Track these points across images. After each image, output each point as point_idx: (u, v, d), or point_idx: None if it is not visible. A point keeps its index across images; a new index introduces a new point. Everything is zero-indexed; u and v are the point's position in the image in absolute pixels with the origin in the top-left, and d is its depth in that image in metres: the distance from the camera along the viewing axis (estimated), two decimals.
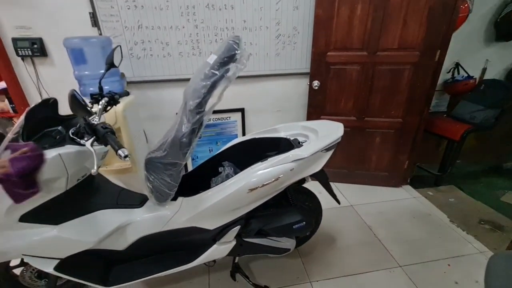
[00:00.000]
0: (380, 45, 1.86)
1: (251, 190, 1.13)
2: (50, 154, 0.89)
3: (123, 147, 0.88)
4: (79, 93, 1.01)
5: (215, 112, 2.20)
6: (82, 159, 1.00)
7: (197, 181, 1.35)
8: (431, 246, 1.71)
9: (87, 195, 1.14)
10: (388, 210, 2.04)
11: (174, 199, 1.18)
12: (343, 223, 1.91)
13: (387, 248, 1.69)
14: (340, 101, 2.09)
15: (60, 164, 0.91)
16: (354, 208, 2.08)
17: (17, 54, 1.75)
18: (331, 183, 1.43)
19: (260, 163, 1.18)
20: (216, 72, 1.00)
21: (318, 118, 2.18)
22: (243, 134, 2.31)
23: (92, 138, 0.94)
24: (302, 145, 1.24)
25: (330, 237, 1.78)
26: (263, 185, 1.14)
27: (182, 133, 1.02)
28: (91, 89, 1.68)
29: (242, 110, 2.23)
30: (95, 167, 0.88)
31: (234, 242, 1.27)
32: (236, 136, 2.31)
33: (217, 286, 1.47)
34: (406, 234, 1.81)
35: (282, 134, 1.42)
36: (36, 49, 1.75)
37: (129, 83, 1.95)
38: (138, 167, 1.83)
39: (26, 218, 0.96)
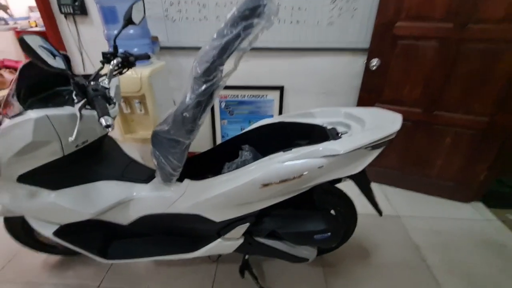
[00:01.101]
0: (475, 15, 1.37)
1: (265, 185, 0.91)
2: (36, 114, 0.79)
3: (108, 115, 0.73)
4: (46, 41, 0.82)
5: (249, 88, 2.01)
6: (86, 121, 0.89)
7: (212, 164, 1.18)
8: None
9: (91, 163, 1.06)
10: (446, 230, 1.63)
11: (180, 180, 1.04)
12: (383, 235, 1.58)
13: (436, 278, 1.34)
14: (403, 86, 1.66)
15: (48, 126, 0.82)
16: (401, 219, 1.71)
17: (61, 11, 1.75)
18: (375, 185, 1.12)
19: (282, 152, 0.94)
20: (232, 30, 0.76)
21: (371, 105, 1.79)
22: (280, 114, 2.05)
23: (83, 101, 0.82)
24: (340, 137, 0.96)
25: (362, 250, 1.49)
26: (281, 182, 0.91)
27: (185, 105, 0.83)
28: (120, 50, 1.59)
29: (281, 89, 1.96)
30: (74, 134, 0.75)
31: (241, 240, 1.09)
32: (271, 116, 2.07)
33: (223, 279, 1.34)
34: (468, 266, 1.41)
35: (318, 121, 1.14)
36: (77, 6, 1.72)
37: (162, 48, 1.83)
38: None
39: (24, 179, 0.91)
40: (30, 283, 1.29)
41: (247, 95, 2.00)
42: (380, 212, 1.17)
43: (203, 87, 0.79)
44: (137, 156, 1.24)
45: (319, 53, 1.83)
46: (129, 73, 1.54)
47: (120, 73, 1.13)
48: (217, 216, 1.03)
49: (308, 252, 1.17)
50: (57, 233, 1.04)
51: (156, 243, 1.18)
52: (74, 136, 0.74)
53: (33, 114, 0.79)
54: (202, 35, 1.79)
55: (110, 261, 1.12)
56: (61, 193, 0.96)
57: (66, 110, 0.88)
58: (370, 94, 1.77)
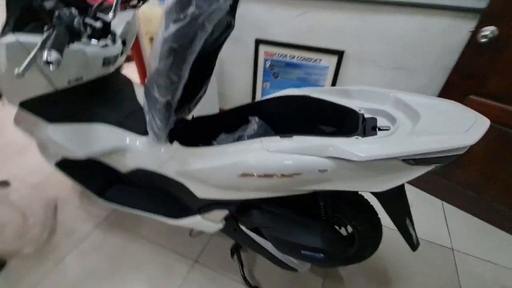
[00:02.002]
0: None
1: (244, 175, 0.71)
2: (9, 39, 0.73)
3: (54, 50, 0.60)
4: None
5: (301, 48, 1.65)
6: (68, 57, 0.81)
7: (218, 130, 1.01)
8: None
9: (92, 103, 1.02)
10: None
11: (171, 141, 0.91)
12: (420, 264, 1.23)
13: None
14: None
15: (23, 54, 0.74)
16: (455, 254, 1.29)
17: None
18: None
19: (278, 138, 0.70)
20: None
21: (462, 96, 1.27)
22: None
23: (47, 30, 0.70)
24: (376, 133, 0.66)
25: (385, 274, 1.19)
26: (264, 176, 0.68)
27: (155, 50, 0.64)
28: None
29: (340, 54, 1.55)
30: (22, 66, 0.63)
31: (221, 225, 0.95)
32: (315, 87, 1.71)
33: (212, 251, 1.26)
34: None
35: (354, 104, 0.82)
36: None
37: None
38: None
39: (25, 106, 0.92)
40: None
41: (297, 57, 1.67)
42: (413, 247, 0.85)
43: (172, 28, 0.57)
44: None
45: (402, 10, 1.32)
46: (153, 14, 1.41)
47: (134, 6, 0.99)
48: (199, 192, 0.89)
49: (297, 262, 0.95)
50: (58, 164, 1.08)
51: (149, 198, 1.14)
52: (22, 68, 0.63)
53: (9, 38, 0.73)
54: None
55: (106, 203, 1.14)
56: (56, 127, 0.95)
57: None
58: (466, 81, 1.23)
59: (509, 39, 1.07)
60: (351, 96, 0.85)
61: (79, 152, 0.98)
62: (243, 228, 0.95)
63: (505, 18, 1.05)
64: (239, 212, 0.89)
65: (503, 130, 1.21)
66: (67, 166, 1.09)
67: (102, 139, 0.99)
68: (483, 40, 1.11)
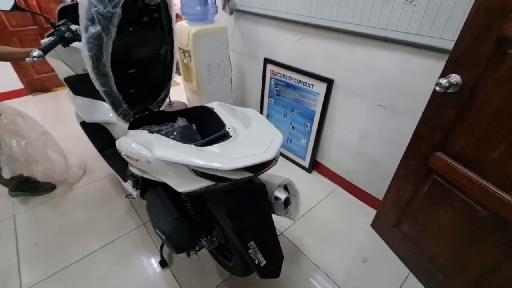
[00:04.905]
0: None
1: (127, 156, 0.95)
2: (47, 39, 1.20)
3: (39, 50, 0.99)
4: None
5: (297, 71, 1.73)
6: (72, 53, 1.24)
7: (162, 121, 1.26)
8: None
9: None
10: None
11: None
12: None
13: None
14: (497, 141, 0.85)
15: (53, 51, 1.20)
16: None
17: None
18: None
19: (144, 130, 0.91)
20: None
21: (430, 151, 1.07)
22: (322, 114, 1.64)
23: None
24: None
25: None
26: (133, 158, 0.91)
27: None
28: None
29: (329, 82, 1.52)
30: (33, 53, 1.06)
31: (136, 192, 1.20)
32: (313, 113, 1.70)
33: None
34: None
35: (230, 120, 0.93)
36: None
37: (238, 11, 1.87)
38: (202, 94, 1.95)
39: (65, 80, 1.44)
40: None
41: (295, 79, 1.72)
42: (258, 273, 0.87)
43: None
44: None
45: (385, 45, 1.22)
46: (182, 29, 1.78)
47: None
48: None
49: None
50: (81, 124, 1.59)
51: (123, 164, 1.50)
52: (33, 54, 1.05)
53: (46, 39, 1.21)
54: (272, 3, 1.65)
55: (105, 158, 1.58)
56: (76, 98, 1.44)
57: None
58: (433, 132, 1.04)
59: (475, 91, 0.87)
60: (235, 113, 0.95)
61: (87, 117, 1.43)
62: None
63: (469, 65, 0.86)
64: (143, 186, 1.13)
65: (471, 205, 0.96)
66: (85, 126, 1.59)
67: (99, 112, 1.42)
68: (448, 88, 0.93)
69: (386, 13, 1.14)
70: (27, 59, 0.99)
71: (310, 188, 1.79)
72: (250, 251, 0.86)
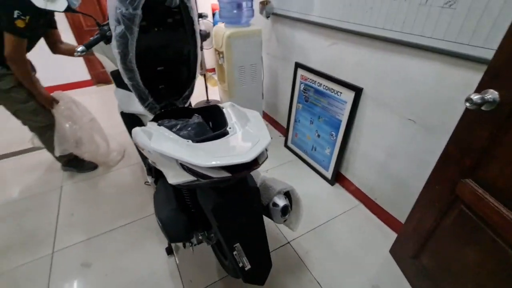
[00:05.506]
0: None
1: (135, 143, 1.03)
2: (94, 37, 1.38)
3: (83, 46, 1.14)
4: None
5: (326, 77, 1.71)
6: (107, 51, 1.39)
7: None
8: None
9: None
10: None
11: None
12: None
13: None
14: None
15: (97, 47, 1.38)
16: None
17: None
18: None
19: (156, 124, 0.98)
20: None
21: (458, 177, 0.92)
22: (349, 124, 1.54)
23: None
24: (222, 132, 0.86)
25: None
26: (142, 149, 0.98)
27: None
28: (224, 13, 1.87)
29: (358, 91, 1.42)
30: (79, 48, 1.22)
31: (150, 181, 1.29)
32: (339, 122, 1.61)
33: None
34: None
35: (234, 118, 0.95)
36: None
37: (274, 14, 1.88)
38: (232, 94, 2.01)
39: (112, 74, 1.63)
40: None
41: (323, 85, 1.65)
42: (242, 276, 0.87)
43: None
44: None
45: (419, 54, 1.09)
46: (218, 31, 1.86)
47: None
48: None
49: None
50: (120, 113, 1.78)
51: None
52: (79, 49, 1.23)
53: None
54: (307, 7, 1.62)
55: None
56: (118, 90, 1.61)
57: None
58: (463, 154, 0.90)
59: None
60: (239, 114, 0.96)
61: (124, 108, 1.60)
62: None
63: (508, 80, 0.72)
64: (156, 175, 1.21)
65: (502, 246, 0.80)
66: (124, 116, 1.77)
67: (134, 104, 1.57)
68: (481, 106, 0.80)
69: (421, 17, 1.03)
70: (74, 53, 1.14)
71: (329, 201, 1.69)
72: (235, 252, 0.85)
